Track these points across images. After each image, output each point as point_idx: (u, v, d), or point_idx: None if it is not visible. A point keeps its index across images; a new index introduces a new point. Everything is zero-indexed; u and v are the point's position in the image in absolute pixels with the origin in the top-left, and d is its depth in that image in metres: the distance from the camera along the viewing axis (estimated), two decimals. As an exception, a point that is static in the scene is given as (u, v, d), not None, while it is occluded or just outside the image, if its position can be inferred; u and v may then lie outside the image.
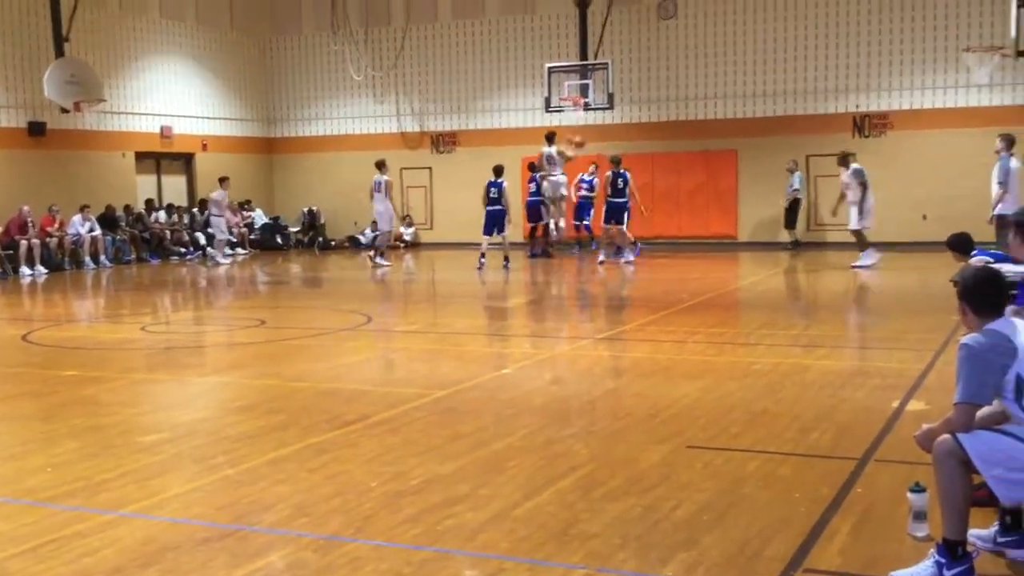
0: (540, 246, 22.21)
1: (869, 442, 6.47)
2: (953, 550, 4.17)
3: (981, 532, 4.52)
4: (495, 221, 19.49)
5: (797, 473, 5.89)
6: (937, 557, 4.19)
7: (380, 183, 20.70)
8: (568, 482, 5.74)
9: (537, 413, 7.48)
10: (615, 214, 20.12)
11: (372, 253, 21.02)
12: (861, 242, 18.07)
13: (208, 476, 6.01)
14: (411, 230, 26.45)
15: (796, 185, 22.49)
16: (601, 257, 19.98)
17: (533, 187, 21.89)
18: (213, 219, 22.78)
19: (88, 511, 5.38)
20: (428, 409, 7.68)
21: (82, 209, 21.47)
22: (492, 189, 19.61)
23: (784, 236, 23.00)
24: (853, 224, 18.05)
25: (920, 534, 4.75)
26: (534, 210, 21.99)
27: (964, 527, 4.22)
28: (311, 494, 5.61)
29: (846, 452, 6.27)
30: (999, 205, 13.95)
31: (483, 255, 19.32)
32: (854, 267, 17.73)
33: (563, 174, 21.38)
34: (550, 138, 21.49)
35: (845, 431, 6.80)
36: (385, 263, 20.45)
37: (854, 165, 17.95)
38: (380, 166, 20.91)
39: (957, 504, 4.20)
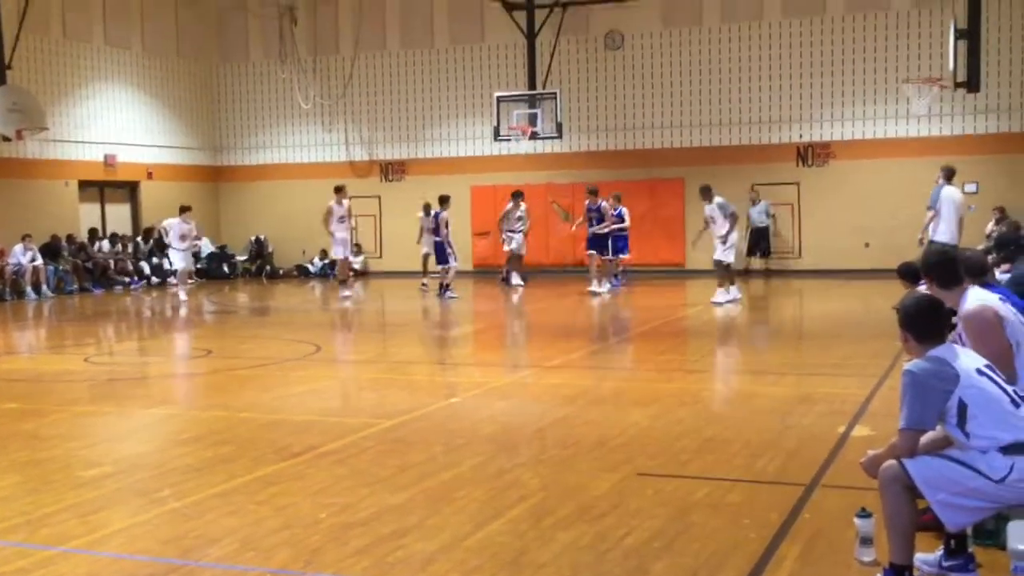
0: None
1: (816, 468, 6.53)
2: (900, 574, 4.22)
3: (927, 556, 4.58)
4: (439, 251, 19.54)
5: (746, 499, 5.93)
6: None
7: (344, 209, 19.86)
8: (518, 511, 5.73)
9: (486, 442, 7.46)
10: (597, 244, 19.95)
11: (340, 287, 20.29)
12: (721, 277, 17.23)
13: (153, 510, 5.91)
14: (360, 259, 26.36)
15: (766, 212, 22.91)
16: (594, 287, 19.36)
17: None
18: (174, 252, 20.58)
19: (29, 547, 5.26)
20: (376, 439, 7.63)
21: (24, 238, 21.13)
22: (434, 219, 19.82)
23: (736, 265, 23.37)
24: (717, 254, 17.13)
25: (867, 559, 4.80)
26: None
27: (910, 551, 4.27)
28: (259, 527, 5.54)
29: (794, 478, 6.33)
30: (933, 230, 14.24)
31: (441, 285, 19.33)
32: (713, 303, 16.90)
33: (521, 232, 21.44)
34: (516, 196, 21.48)
35: (793, 457, 6.87)
36: (347, 292, 20.03)
37: (718, 199, 17.15)
38: (341, 191, 20.07)
39: (903, 529, 4.26)
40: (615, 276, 20.88)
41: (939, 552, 4.60)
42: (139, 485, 6.53)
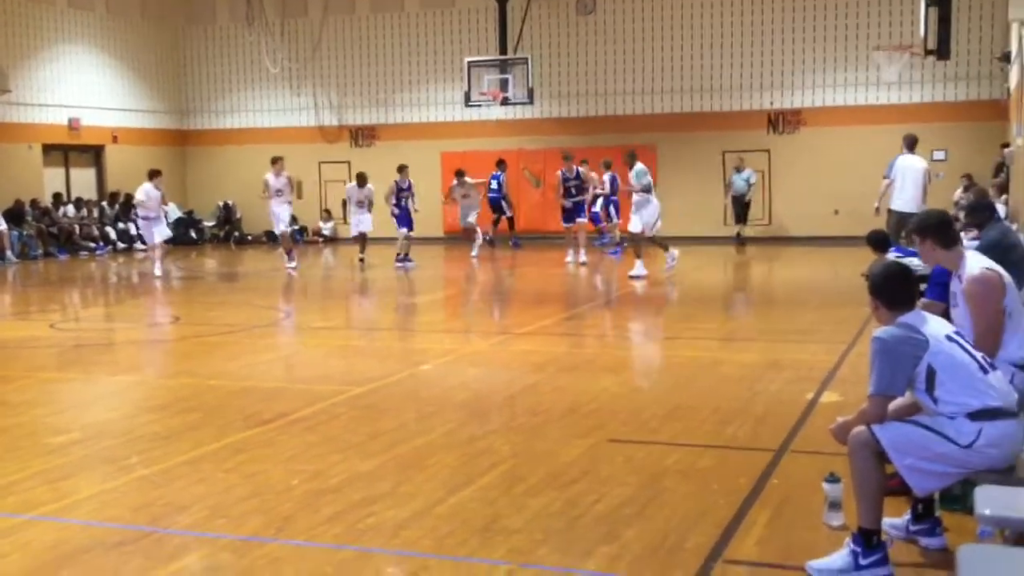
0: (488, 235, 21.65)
1: (785, 434, 6.59)
2: (868, 539, 4.27)
3: (895, 520, 4.63)
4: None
5: (716, 465, 5.98)
6: (852, 546, 4.28)
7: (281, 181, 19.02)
8: (490, 478, 5.75)
9: (458, 409, 7.47)
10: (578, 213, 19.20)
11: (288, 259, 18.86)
12: (636, 248, 16.31)
13: (121, 477, 5.88)
14: (330, 224, 26.22)
15: (747, 181, 22.90)
16: (582, 258, 18.61)
17: (494, 184, 21.86)
18: (144, 222, 18.84)
19: (-5, 515, 5.23)
20: (347, 406, 7.62)
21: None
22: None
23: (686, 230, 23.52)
24: (632, 227, 16.27)
25: (835, 523, 4.86)
26: (495, 205, 22.02)
27: (878, 516, 4.32)
28: (228, 494, 5.53)
29: (763, 444, 6.38)
30: (896, 200, 14.19)
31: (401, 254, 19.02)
32: (631, 277, 15.89)
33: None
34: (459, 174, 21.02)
35: (761, 423, 6.92)
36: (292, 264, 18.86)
37: (638, 165, 16.20)
38: (277, 162, 19.05)
39: (871, 493, 4.31)
40: (617, 244, 20.66)
41: (906, 516, 4.67)
42: (107, 452, 6.49)
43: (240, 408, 7.63)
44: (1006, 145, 18.27)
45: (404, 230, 18.96)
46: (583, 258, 18.46)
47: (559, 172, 19.37)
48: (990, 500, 3.74)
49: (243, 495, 5.51)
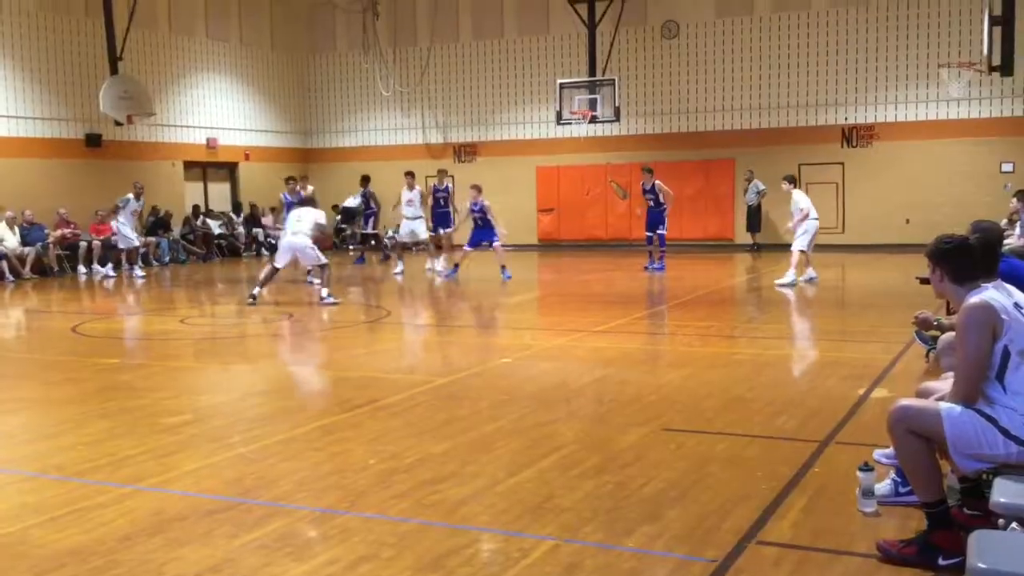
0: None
1: (832, 426, 6.41)
2: (934, 509, 4.05)
3: (888, 451, 4.42)
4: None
5: (762, 454, 5.84)
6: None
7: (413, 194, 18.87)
8: (549, 461, 5.72)
9: (529, 399, 7.46)
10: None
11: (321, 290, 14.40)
12: (804, 258, 15.72)
13: (222, 454, 6.02)
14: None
15: (762, 189, 22.46)
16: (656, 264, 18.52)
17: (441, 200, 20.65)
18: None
19: (109, 485, 5.41)
20: (431, 394, 7.68)
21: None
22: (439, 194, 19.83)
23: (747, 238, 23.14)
24: (796, 245, 15.64)
25: (868, 510, 4.70)
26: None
27: (933, 488, 4.05)
28: (313, 471, 5.62)
29: (810, 435, 6.21)
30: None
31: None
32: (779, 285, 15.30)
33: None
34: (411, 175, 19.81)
35: (811, 416, 6.74)
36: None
37: (795, 192, 15.87)
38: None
39: (913, 468, 4.09)
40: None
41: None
42: (213, 432, 6.66)
43: (336, 394, 7.77)
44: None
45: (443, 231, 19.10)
46: (656, 264, 18.39)
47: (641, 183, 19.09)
48: (1006, 489, 3.57)
49: (326, 472, 5.59)
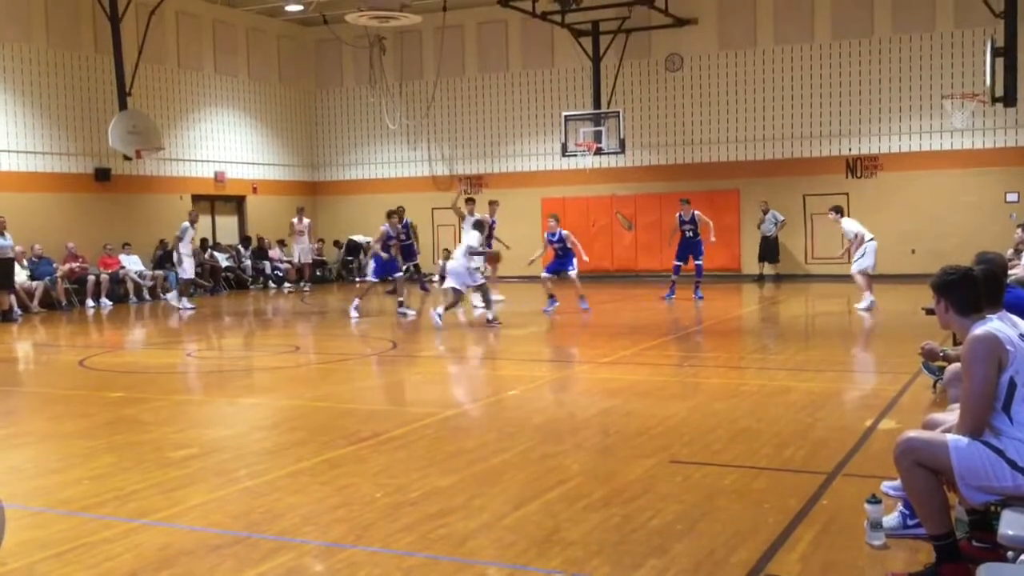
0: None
1: (840, 458, 6.38)
2: (941, 543, 4.03)
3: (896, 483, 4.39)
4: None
5: (770, 486, 5.81)
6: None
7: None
8: (555, 494, 5.69)
9: (536, 431, 7.44)
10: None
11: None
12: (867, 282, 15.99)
13: (228, 488, 6.01)
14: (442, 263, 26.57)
15: (781, 219, 22.53)
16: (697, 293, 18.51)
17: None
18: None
19: (115, 519, 5.40)
20: (437, 427, 7.66)
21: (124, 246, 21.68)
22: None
23: (756, 269, 23.14)
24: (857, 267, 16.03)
25: (877, 543, 4.67)
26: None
27: (939, 520, 4.02)
28: (320, 504, 5.60)
29: (818, 467, 6.18)
30: None
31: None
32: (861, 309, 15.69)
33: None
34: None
35: (819, 447, 6.71)
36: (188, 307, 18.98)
37: (844, 220, 16.32)
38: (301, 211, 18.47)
39: (919, 500, 4.08)
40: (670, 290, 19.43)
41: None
42: (219, 465, 6.64)
43: (341, 427, 7.74)
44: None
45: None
46: (698, 293, 18.41)
47: (677, 214, 18.96)
48: (1014, 522, 3.55)
49: (332, 505, 5.57)
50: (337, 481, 6.11)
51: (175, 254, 19.73)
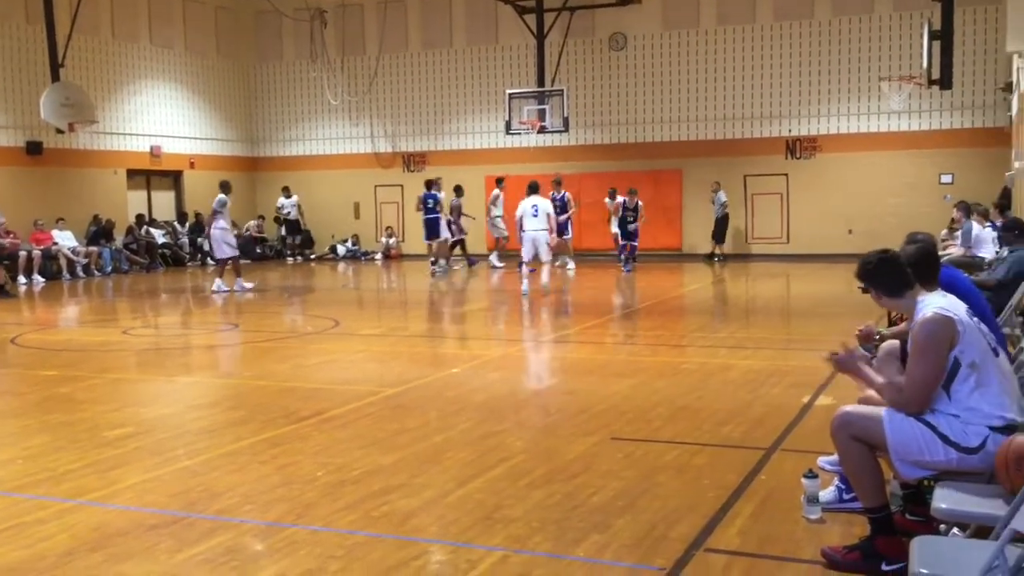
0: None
1: (778, 434, 6.49)
2: (876, 515, 4.11)
3: (832, 458, 4.49)
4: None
5: (709, 462, 5.89)
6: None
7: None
8: (498, 471, 5.71)
9: (478, 409, 7.45)
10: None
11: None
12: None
13: (166, 467, 5.93)
14: (392, 240, 26.41)
15: (724, 200, 22.73)
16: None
17: (430, 203, 21.24)
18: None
19: (49, 499, 5.30)
20: (379, 405, 7.63)
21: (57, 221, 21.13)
22: (429, 200, 20.97)
23: (707, 248, 23.33)
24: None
25: (813, 516, 4.77)
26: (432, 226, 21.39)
27: (875, 493, 4.10)
28: (260, 483, 5.55)
29: (756, 443, 6.28)
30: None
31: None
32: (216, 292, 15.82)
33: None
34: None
35: (758, 424, 6.82)
36: (224, 289, 17.10)
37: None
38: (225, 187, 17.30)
39: (855, 473, 4.15)
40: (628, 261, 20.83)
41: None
42: (156, 445, 6.54)
43: (282, 406, 7.66)
44: None
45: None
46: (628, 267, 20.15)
47: (622, 199, 20.99)
48: (947, 496, 3.64)
49: (273, 484, 5.53)
50: (277, 460, 6.06)
51: (208, 230, 17.45)
